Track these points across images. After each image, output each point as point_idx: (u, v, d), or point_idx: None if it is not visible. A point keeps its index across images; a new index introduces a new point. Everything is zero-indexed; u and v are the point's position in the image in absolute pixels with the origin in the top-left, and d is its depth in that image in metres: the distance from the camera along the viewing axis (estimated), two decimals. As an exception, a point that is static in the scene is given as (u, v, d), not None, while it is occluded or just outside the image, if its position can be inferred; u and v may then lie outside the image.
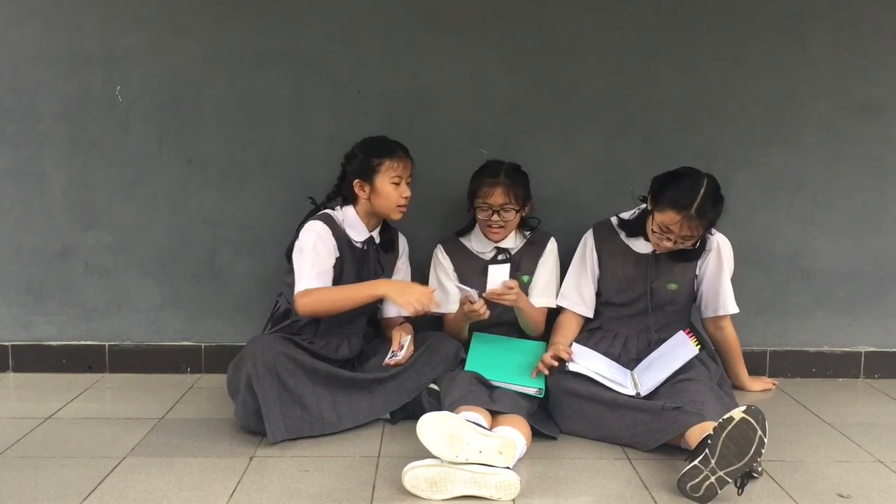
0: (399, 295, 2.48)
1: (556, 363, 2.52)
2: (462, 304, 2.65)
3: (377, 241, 2.74)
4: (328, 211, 2.69)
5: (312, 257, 2.55)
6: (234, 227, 3.10)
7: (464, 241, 2.89)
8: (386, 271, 2.77)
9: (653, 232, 2.60)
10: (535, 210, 2.92)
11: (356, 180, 2.65)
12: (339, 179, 2.73)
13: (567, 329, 2.76)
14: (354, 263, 2.66)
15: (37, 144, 3.05)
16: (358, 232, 2.69)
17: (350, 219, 2.68)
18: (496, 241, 2.83)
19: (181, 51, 3.01)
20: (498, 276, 2.58)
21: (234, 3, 3.00)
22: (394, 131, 2.99)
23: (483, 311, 2.59)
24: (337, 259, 2.62)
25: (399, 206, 2.66)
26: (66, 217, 3.07)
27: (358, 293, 2.53)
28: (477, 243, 2.86)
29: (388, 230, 2.80)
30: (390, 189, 2.63)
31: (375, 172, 2.63)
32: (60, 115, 3.03)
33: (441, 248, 2.90)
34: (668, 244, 2.58)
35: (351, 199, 2.69)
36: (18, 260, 3.10)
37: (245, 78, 3.02)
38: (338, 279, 2.63)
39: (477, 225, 2.86)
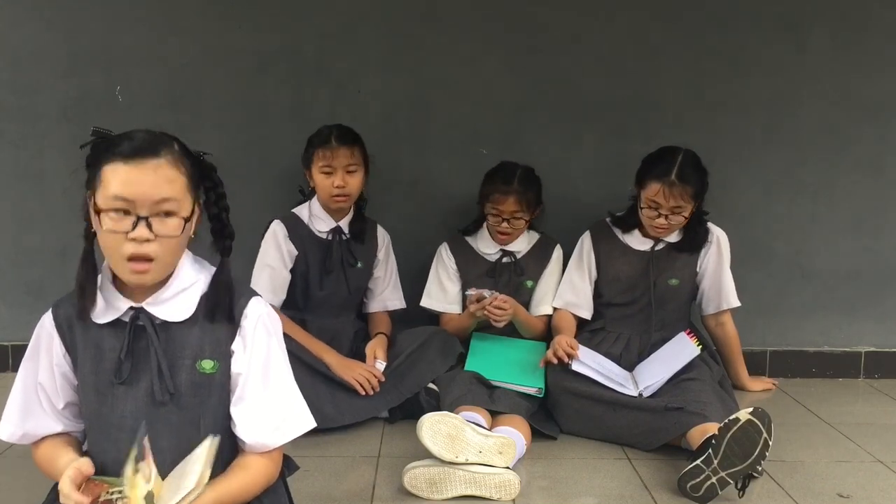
0: (342, 368, 2.51)
1: (564, 357, 2.46)
2: (469, 303, 2.65)
3: (346, 230, 2.72)
4: (295, 210, 2.73)
5: (268, 272, 2.61)
6: (233, 226, 3.08)
7: (470, 240, 2.87)
8: (361, 262, 2.75)
9: (642, 210, 2.60)
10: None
11: (305, 171, 2.68)
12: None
13: (567, 329, 2.72)
14: (319, 254, 2.68)
15: (37, 144, 3.04)
16: (324, 222, 2.70)
17: (315, 210, 2.70)
18: (503, 245, 2.82)
19: (181, 51, 3.01)
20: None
21: (234, 3, 3.00)
22: (394, 131, 3.00)
23: (488, 306, 2.59)
24: (298, 256, 2.66)
25: (333, 196, 2.62)
26: (66, 217, 3.03)
27: (308, 343, 2.55)
28: (483, 244, 2.84)
29: (361, 221, 2.76)
30: (321, 179, 2.62)
31: (311, 162, 2.64)
32: (60, 115, 3.03)
33: (447, 246, 2.87)
34: (662, 221, 2.58)
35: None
36: (18, 260, 3.10)
37: (245, 78, 3.02)
38: (304, 274, 2.67)
39: (485, 225, 2.83)
